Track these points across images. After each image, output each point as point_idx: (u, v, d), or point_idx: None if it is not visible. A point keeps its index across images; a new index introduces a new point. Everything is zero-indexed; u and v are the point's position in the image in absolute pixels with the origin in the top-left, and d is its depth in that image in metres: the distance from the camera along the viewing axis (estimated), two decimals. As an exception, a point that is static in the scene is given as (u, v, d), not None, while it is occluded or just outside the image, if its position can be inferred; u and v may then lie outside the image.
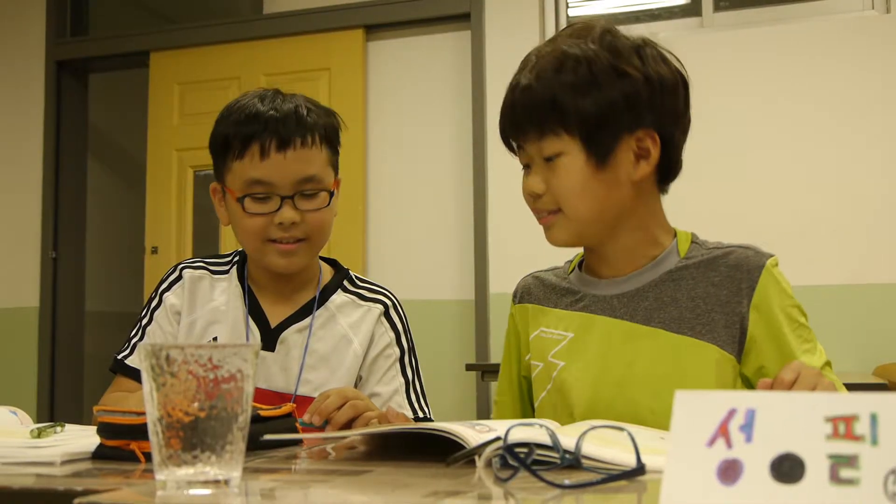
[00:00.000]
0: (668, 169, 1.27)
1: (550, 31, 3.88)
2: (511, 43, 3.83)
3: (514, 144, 1.27)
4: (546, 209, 1.25)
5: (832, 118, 3.50)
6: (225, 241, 4.26)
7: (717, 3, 3.77)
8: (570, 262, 1.42)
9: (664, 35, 3.73)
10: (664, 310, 1.25)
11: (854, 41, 3.51)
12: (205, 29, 4.45)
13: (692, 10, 3.83)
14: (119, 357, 1.61)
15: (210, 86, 4.35)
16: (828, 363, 1.25)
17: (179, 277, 1.64)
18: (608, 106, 1.19)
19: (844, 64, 3.50)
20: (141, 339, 1.61)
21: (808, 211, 3.48)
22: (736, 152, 3.56)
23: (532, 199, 1.26)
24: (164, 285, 1.64)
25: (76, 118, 4.72)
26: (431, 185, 4.04)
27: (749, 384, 1.25)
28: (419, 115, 4.09)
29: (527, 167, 1.27)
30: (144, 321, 1.63)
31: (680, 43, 3.65)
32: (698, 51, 3.61)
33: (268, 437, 1.04)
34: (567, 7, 3.95)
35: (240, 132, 1.50)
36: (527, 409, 1.40)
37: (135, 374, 1.57)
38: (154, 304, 1.63)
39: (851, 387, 1.29)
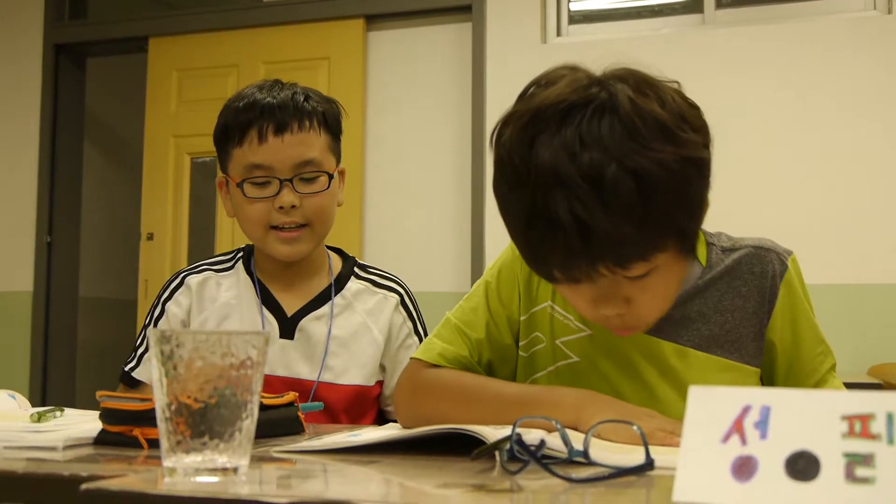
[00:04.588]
0: None
1: (552, 25, 3.87)
2: (512, 36, 3.82)
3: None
4: (628, 325, 1.08)
5: (832, 117, 3.50)
6: (221, 230, 4.25)
7: (718, 0, 3.77)
8: None
9: (666, 31, 3.73)
10: (691, 327, 1.15)
11: (855, 41, 3.52)
12: (204, 15, 4.43)
13: (694, 6, 3.82)
14: (126, 369, 1.61)
15: (209, 73, 4.33)
16: (833, 366, 1.20)
17: (181, 284, 1.63)
18: (698, 202, 1.02)
19: (845, 63, 3.51)
20: (147, 350, 1.61)
21: (806, 209, 3.49)
22: (734, 150, 3.55)
23: (606, 318, 1.06)
24: (166, 294, 1.64)
25: (73, 102, 4.69)
26: (429, 176, 4.03)
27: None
28: (418, 107, 4.08)
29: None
30: (148, 331, 1.62)
31: (681, 39, 3.65)
32: (699, 48, 3.60)
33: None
34: (569, 1, 3.93)
35: (238, 120, 1.53)
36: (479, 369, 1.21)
37: (140, 387, 1.58)
38: (157, 312, 1.63)
39: (847, 386, 1.29)
